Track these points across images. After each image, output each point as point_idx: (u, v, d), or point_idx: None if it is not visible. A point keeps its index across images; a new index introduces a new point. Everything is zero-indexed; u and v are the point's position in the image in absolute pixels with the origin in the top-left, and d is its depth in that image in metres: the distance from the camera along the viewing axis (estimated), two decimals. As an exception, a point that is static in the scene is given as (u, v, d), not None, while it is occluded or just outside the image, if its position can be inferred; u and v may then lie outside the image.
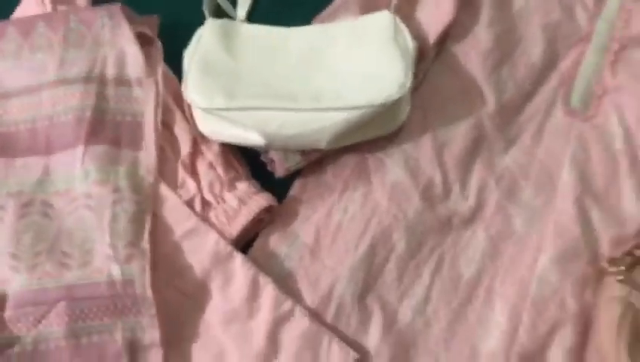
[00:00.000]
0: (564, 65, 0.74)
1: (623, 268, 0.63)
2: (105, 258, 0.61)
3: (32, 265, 0.62)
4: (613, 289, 0.61)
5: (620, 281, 0.61)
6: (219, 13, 0.76)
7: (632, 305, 0.59)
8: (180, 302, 0.63)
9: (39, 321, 0.60)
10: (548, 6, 0.77)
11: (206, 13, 0.74)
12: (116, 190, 0.64)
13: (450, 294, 0.64)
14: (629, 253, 0.64)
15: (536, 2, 0.77)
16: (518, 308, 0.63)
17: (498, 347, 0.61)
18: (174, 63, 0.72)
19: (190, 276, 0.64)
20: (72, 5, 0.75)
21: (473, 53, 0.73)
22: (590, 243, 0.65)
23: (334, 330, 0.62)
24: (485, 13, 0.75)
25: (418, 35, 0.72)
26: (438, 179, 0.68)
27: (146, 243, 0.62)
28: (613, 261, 0.64)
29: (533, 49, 0.74)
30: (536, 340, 0.61)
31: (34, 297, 0.61)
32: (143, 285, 0.61)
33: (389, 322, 0.63)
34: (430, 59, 0.72)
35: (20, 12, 0.77)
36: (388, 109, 0.65)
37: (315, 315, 0.62)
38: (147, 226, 0.64)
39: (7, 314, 0.61)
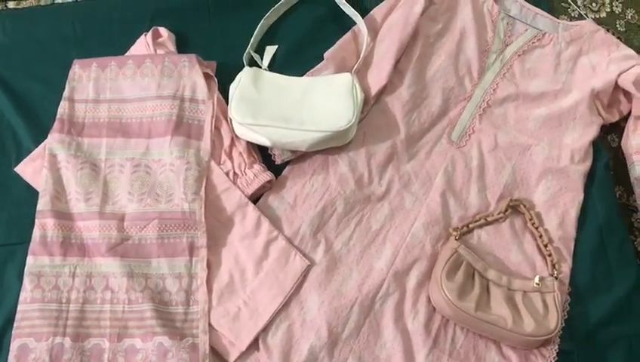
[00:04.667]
0: (452, 113, 1.17)
1: (459, 232, 1.06)
2: (180, 199, 1.04)
3: (140, 199, 1.05)
4: (451, 243, 1.04)
5: (456, 239, 1.05)
6: (252, 63, 1.19)
7: (457, 252, 1.02)
8: (217, 226, 1.05)
9: (142, 228, 1.03)
10: (448, 76, 1.18)
11: (244, 63, 1.17)
12: (188, 162, 1.06)
13: (363, 236, 1.06)
14: (466, 225, 1.08)
15: (440, 73, 1.18)
16: (398, 248, 1.05)
17: (384, 266, 1.04)
18: (223, 92, 1.14)
19: (224, 213, 1.05)
20: (166, 51, 1.18)
21: (396, 103, 1.15)
22: (445, 217, 1.08)
23: (298, 249, 1.03)
24: (407, 79, 1.17)
25: (365, 90, 1.14)
26: (366, 174, 1.10)
27: (202, 193, 1.05)
28: (455, 228, 1.07)
29: (434, 103, 1.16)
30: (404, 265, 1.04)
31: (140, 216, 1.04)
32: (200, 215, 1.04)
33: (328, 248, 1.05)
34: (371, 104, 1.15)
35: (133, 50, 1.19)
36: (341, 133, 1.07)
37: (289, 240, 1.04)
38: (203, 184, 1.06)
39: (125, 223, 1.04)
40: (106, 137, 1.11)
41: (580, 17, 1.32)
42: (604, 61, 1.21)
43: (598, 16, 1.34)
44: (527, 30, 1.25)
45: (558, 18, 1.27)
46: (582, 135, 1.16)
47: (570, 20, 1.30)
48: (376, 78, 1.16)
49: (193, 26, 1.24)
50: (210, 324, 1.00)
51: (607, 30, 1.26)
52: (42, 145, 1.11)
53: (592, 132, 1.16)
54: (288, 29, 1.25)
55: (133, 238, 1.04)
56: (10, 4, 1.31)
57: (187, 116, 1.12)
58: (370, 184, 1.11)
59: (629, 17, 1.36)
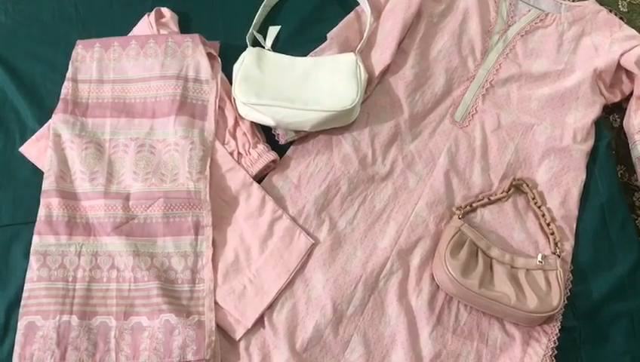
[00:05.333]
0: (455, 94, 1.17)
1: (462, 211, 1.07)
2: (185, 178, 1.05)
3: (145, 179, 1.05)
4: (455, 222, 1.05)
5: (459, 218, 1.06)
6: (255, 43, 1.19)
7: (460, 231, 1.03)
8: (222, 205, 1.06)
9: (148, 207, 1.04)
10: (451, 56, 1.19)
11: (248, 43, 1.17)
12: (192, 142, 1.07)
13: (367, 216, 1.07)
14: (469, 204, 1.09)
15: (444, 53, 1.18)
16: (402, 227, 1.06)
17: (387, 245, 1.05)
18: (227, 72, 1.14)
19: (229, 192, 1.06)
20: (169, 31, 1.18)
21: (400, 83, 1.15)
22: (449, 197, 1.09)
23: (302, 228, 1.04)
24: (411, 59, 1.17)
25: (369, 70, 1.14)
26: (369, 154, 1.11)
27: (207, 173, 1.05)
28: (459, 207, 1.08)
29: (437, 83, 1.17)
30: (408, 244, 1.05)
31: (145, 195, 1.04)
32: (205, 194, 1.04)
33: (332, 227, 1.06)
34: (374, 84, 1.15)
35: (136, 31, 1.19)
36: (345, 112, 1.08)
37: (293, 219, 1.05)
38: (208, 163, 1.06)
39: (131, 203, 1.04)
40: (110, 117, 1.11)
41: (583, -2, 1.32)
42: (607, 41, 1.21)
43: (600, -3, 1.34)
44: (529, 11, 1.25)
45: (560, -2, 1.27)
46: (584, 115, 1.16)
47: (573, 1, 1.30)
48: (380, 58, 1.16)
49: (196, 5, 1.24)
50: (216, 302, 1.01)
51: (610, 11, 1.26)
52: (46, 125, 1.11)
53: (595, 112, 1.17)
54: (291, 8, 1.25)
55: (139, 217, 1.04)
56: (12, -15, 1.30)
57: (191, 96, 1.12)
58: (373, 164, 1.12)
59: (632, -2, 1.36)
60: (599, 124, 1.18)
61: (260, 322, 1.01)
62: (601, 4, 1.26)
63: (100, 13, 1.24)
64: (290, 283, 1.03)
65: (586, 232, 1.10)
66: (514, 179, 1.11)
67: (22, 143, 1.12)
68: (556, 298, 1.00)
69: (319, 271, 1.03)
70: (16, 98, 1.16)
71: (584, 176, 1.13)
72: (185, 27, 1.22)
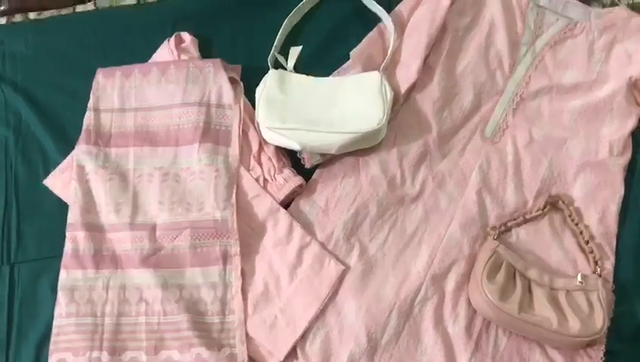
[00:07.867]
0: (484, 109, 1.14)
1: (497, 231, 1.04)
2: (211, 207, 1.03)
3: (170, 209, 1.04)
4: (490, 243, 1.01)
5: (494, 239, 1.02)
6: (276, 65, 1.17)
7: (497, 252, 1.00)
8: (249, 233, 1.03)
9: (175, 238, 1.02)
10: (479, 71, 1.15)
11: (270, 65, 1.15)
12: (217, 170, 1.05)
13: (398, 240, 1.04)
14: (504, 224, 1.05)
15: (471, 68, 1.15)
16: (435, 250, 1.03)
17: (421, 269, 1.01)
18: (250, 96, 1.13)
19: (256, 219, 1.04)
20: (189, 56, 1.17)
21: (427, 100, 1.12)
22: (482, 217, 1.05)
23: (332, 254, 1.01)
24: (437, 75, 1.14)
25: (395, 88, 1.11)
26: (398, 175, 1.08)
27: (233, 200, 1.03)
28: (493, 227, 1.04)
29: (466, 98, 1.13)
30: (442, 267, 1.01)
31: (172, 226, 1.03)
32: (232, 223, 1.02)
33: (362, 252, 1.02)
34: (400, 102, 1.12)
35: (156, 57, 1.17)
36: (372, 134, 1.05)
37: (322, 245, 1.02)
38: (234, 191, 1.04)
39: (157, 233, 1.03)
40: (133, 146, 1.10)
41: (613, 4, 1.27)
42: (641, 48, 1.16)
43: (632, 1, 1.29)
44: (557, 20, 1.21)
45: (590, 5, 1.23)
46: (620, 126, 1.12)
47: (603, 7, 1.25)
48: (406, 75, 1.13)
49: (216, 29, 1.22)
50: (247, 334, 0.99)
51: (642, 16, 1.21)
52: (70, 156, 1.10)
53: (631, 123, 1.12)
54: (312, 28, 1.23)
55: (166, 248, 1.03)
56: (31, 15, 1.30)
57: (214, 122, 1.11)
58: (403, 185, 1.09)
59: (664, 1, 1.31)
60: (636, 135, 1.13)
61: (292, 353, 0.98)
62: (633, 10, 1.21)
63: (119, 40, 1.23)
64: (322, 312, 1.00)
65: (627, 250, 1.06)
66: (549, 196, 1.07)
67: (45, 175, 1.11)
68: (599, 320, 0.96)
69: (351, 299, 1.01)
70: (38, 129, 1.16)
71: (622, 191, 1.09)
72: (205, 51, 1.20)
